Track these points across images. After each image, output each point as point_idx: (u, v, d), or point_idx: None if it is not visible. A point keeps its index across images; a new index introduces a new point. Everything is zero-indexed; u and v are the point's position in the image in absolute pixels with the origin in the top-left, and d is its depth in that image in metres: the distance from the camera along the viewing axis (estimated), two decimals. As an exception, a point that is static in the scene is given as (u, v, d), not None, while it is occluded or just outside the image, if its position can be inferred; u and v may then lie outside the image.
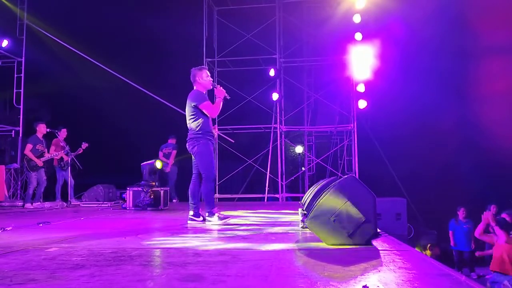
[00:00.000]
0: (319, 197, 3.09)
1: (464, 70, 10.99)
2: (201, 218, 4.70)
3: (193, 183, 4.77)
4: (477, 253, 7.21)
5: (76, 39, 10.75)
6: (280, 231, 3.96)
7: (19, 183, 10.24)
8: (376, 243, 3.07)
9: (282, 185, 11.31)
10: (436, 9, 10.50)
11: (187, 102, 4.69)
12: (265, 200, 10.97)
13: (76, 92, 11.27)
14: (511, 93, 10.29)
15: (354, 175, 5.65)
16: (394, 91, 10.61)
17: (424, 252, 8.10)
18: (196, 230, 4.14)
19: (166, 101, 10.48)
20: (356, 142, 10.80)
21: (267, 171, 11.00)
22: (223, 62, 11.94)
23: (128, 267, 2.33)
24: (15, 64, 11.28)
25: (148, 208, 7.19)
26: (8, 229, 4.15)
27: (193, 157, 4.73)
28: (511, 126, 10.00)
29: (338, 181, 3.12)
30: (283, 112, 11.73)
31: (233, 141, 7.46)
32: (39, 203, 7.95)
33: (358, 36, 10.31)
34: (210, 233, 3.93)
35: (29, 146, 8.00)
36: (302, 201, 6.22)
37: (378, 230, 3.39)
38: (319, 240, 3.08)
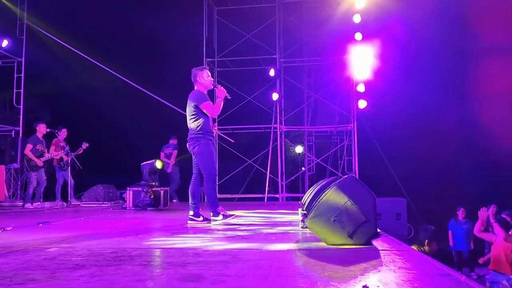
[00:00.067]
0: (319, 197, 3.09)
1: (464, 70, 10.98)
2: (201, 218, 4.70)
3: (193, 183, 4.77)
4: (480, 260, 7.21)
5: (76, 39, 10.75)
6: (280, 231, 3.96)
7: (19, 183, 10.24)
8: (376, 243, 3.07)
9: (282, 185, 11.31)
10: (436, 9, 10.49)
11: (188, 102, 4.69)
12: (265, 200, 10.97)
13: (76, 92, 11.26)
14: (511, 93, 10.29)
15: (354, 175, 5.65)
16: (394, 91, 10.61)
17: (422, 248, 8.10)
18: (196, 230, 4.14)
19: (166, 101, 10.48)
20: (356, 142, 10.80)
21: (267, 171, 11.00)
22: (223, 62, 11.94)
23: (128, 267, 2.33)
24: (15, 64, 11.28)
25: (148, 208, 7.20)
26: (8, 229, 4.15)
27: (193, 157, 4.73)
28: (511, 126, 9.99)
29: (338, 181, 3.12)
30: (283, 112, 11.73)
31: (233, 141, 7.47)
32: (39, 203, 7.95)
33: (358, 36, 10.31)
34: (210, 233, 3.93)
35: (29, 146, 8.00)
36: (302, 201, 6.22)
37: (378, 230, 3.39)
38: (319, 240, 3.08)
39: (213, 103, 4.73)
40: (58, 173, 8.73)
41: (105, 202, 8.50)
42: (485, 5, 9.90)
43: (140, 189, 7.37)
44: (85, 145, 8.55)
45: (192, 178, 4.79)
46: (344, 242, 2.95)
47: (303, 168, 13.20)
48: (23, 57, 11.22)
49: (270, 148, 11.10)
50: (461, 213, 8.98)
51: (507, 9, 9.66)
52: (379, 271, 2.21)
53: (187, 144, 4.72)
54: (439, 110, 11.07)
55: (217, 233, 3.90)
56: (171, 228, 4.42)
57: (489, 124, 10.06)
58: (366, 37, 10.28)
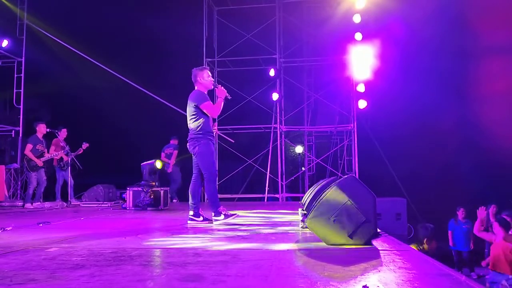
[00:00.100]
0: (319, 197, 3.09)
1: (464, 70, 10.98)
2: (201, 218, 4.70)
3: (194, 183, 4.77)
4: (483, 263, 7.22)
5: (76, 39, 10.75)
6: (280, 231, 3.96)
7: (19, 183, 10.24)
8: (376, 243, 3.07)
9: (282, 185, 11.31)
10: (436, 9, 10.50)
11: (188, 102, 4.69)
12: (265, 200, 10.97)
13: (76, 92, 11.27)
14: (511, 93, 10.29)
15: (354, 175, 5.65)
16: (394, 91, 10.61)
17: (421, 246, 8.11)
18: (196, 230, 4.14)
19: (166, 101, 10.48)
20: (356, 142, 10.80)
21: (267, 171, 11.00)
22: (223, 62, 11.94)
23: (128, 267, 2.33)
24: (15, 64, 11.28)
25: (148, 208, 7.20)
26: (8, 229, 4.15)
27: (193, 157, 4.73)
28: (511, 126, 9.99)
29: (338, 181, 3.12)
30: (283, 112, 11.73)
31: (233, 141, 7.47)
32: (39, 203, 7.95)
33: (358, 36, 10.31)
34: (210, 233, 3.93)
35: (29, 146, 8.00)
36: (302, 201, 6.22)
37: (378, 230, 3.39)
38: (319, 240, 3.08)
39: (214, 103, 4.73)
40: (58, 173, 8.73)
41: (105, 202, 8.50)
42: (485, 5, 9.90)
43: (140, 189, 7.37)
44: (85, 145, 8.55)
45: (192, 178, 4.79)
46: (344, 242, 2.94)
47: (303, 168, 13.21)
48: (23, 57, 11.22)
49: (270, 148, 11.10)
50: (461, 213, 8.98)
51: (507, 9, 9.66)
52: (379, 271, 2.21)
53: (187, 144, 4.72)
54: (439, 110, 11.07)
55: (217, 233, 3.90)
56: (171, 228, 4.42)
57: (489, 124, 10.06)
58: (366, 37, 10.28)
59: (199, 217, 4.70)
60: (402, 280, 2.02)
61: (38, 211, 7.05)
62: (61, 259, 2.56)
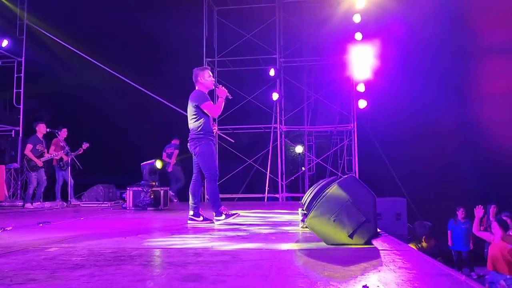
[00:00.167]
0: (319, 197, 3.08)
1: (464, 70, 10.99)
2: (201, 218, 4.70)
3: (194, 183, 4.77)
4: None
5: (76, 39, 10.75)
6: (280, 231, 3.96)
7: (19, 183, 10.24)
8: (376, 243, 3.07)
9: (282, 185, 11.31)
10: (436, 9, 10.50)
11: (189, 102, 4.68)
12: (265, 200, 10.97)
13: (76, 92, 11.27)
14: (511, 93, 10.29)
15: (354, 175, 5.65)
16: (394, 91, 10.61)
17: (419, 245, 8.09)
18: (196, 230, 4.14)
19: (166, 101, 10.48)
20: (356, 142, 10.80)
21: (267, 171, 11.00)
22: (223, 62, 11.94)
23: (128, 267, 2.33)
24: (15, 64, 11.28)
25: (148, 208, 7.20)
26: (8, 229, 4.15)
27: (194, 157, 4.72)
28: (511, 126, 10.00)
29: (338, 181, 3.12)
30: (283, 112, 11.73)
31: (233, 141, 7.46)
32: (39, 203, 7.95)
33: (358, 36, 10.31)
34: (210, 233, 3.93)
35: (29, 146, 8.00)
36: (302, 201, 6.22)
37: (378, 230, 3.39)
38: (319, 240, 3.08)
39: (214, 103, 4.72)
40: (58, 173, 8.73)
41: (105, 202, 8.50)
42: (485, 5, 9.91)
43: (140, 189, 7.37)
44: (85, 145, 8.55)
45: (193, 178, 4.79)
46: (344, 242, 2.94)
47: (303, 168, 13.21)
48: (23, 57, 11.22)
49: (270, 148, 11.10)
50: (460, 213, 8.98)
51: (507, 9, 9.66)
52: (379, 271, 2.21)
53: (188, 144, 4.72)
54: (439, 110, 11.08)
55: (217, 233, 3.90)
56: (171, 228, 4.42)
57: (489, 124, 10.07)
58: (366, 37, 10.28)
59: (199, 217, 4.70)
60: (402, 280, 2.02)
61: (38, 211, 7.04)
62: (61, 259, 2.55)
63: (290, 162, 13.45)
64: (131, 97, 10.90)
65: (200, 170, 4.70)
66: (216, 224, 4.55)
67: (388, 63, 10.31)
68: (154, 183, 7.46)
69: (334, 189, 2.99)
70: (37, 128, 8.20)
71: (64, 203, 8.16)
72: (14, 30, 11.26)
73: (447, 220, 9.26)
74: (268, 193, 11.09)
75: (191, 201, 4.71)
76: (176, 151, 9.81)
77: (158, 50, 12.01)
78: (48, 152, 8.31)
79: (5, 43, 10.90)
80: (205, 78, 4.73)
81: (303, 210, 4.43)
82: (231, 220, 4.61)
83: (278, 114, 11.39)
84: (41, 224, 4.60)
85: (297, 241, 3.34)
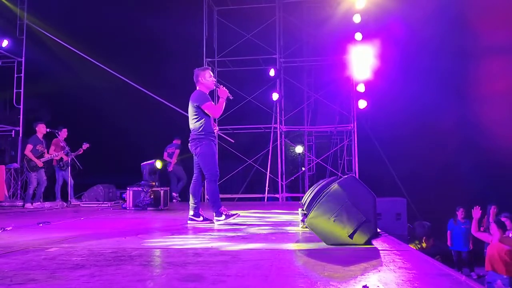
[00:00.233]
0: (319, 197, 3.09)
1: (464, 70, 10.99)
2: (201, 218, 4.70)
3: (194, 183, 4.77)
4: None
5: (76, 39, 10.75)
6: (280, 231, 3.96)
7: (19, 183, 10.24)
8: (376, 243, 3.07)
9: (282, 185, 11.30)
10: (436, 9, 10.50)
11: (190, 102, 4.68)
12: (265, 200, 10.97)
13: (76, 92, 11.27)
14: (511, 93, 10.29)
15: (354, 175, 5.65)
16: (394, 91, 10.61)
17: (418, 245, 8.11)
18: (196, 230, 4.15)
19: (166, 101, 10.48)
20: (356, 142, 10.80)
21: (267, 171, 11.00)
22: (223, 62, 11.93)
23: (128, 267, 2.33)
24: (15, 64, 11.28)
25: (148, 208, 7.20)
26: (8, 229, 4.15)
27: (194, 157, 4.72)
28: (511, 126, 10.00)
29: (338, 181, 3.12)
30: (283, 112, 11.73)
31: (233, 141, 7.46)
32: (39, 203, 7.95)
33: (358, 36, 10.31)
34: (210, 233, 3.93)
35: (29, 147, 8.00)
36: (302, 201, 6.22)
37: (378, 230, 3.39)
38: (319, 240, 3.08)
39: (215, 104, 4.72)
40: (58, 173, 8.73)
41: (105, 202, 8.50)
42: (485, 5, 9.91)
43: (140, 189, 7.37)
44: (85, 146, 8.55)
45: (193, 178, 4.79)
46: (344, 242, 2.94)
47: (303, 168, 13.21)
48: (23, 57, 11.22)
49: (270, 148, 11.10)
50: (460, 213, 8.98)
51: (507, 9, 9.66)
52: (379, 271, 2.21)
53: (189, 144, 4.71)
54: (439, 110, 11.08)
55: (217, 233, 3.90)
56: (171, 228, 4.42)
57: (489, 124, 10.07)
58: (366, 37, 10.27)
59: (199, 217, 4.70)
60: (402, 280, 2.02)
61: (38, 211, 7.05)
62: (61, 259, 2.56)
63: (290, 162, 13.45)
64: (131, 97, 10.90)
65: (201, 171, 4.70)
66: (216, 225, 4.55)
67: (388, 63, 10.31)
68: (154, 183, 7.47)
69: (334, 189, 2.99)
70: (37, 128, 8.20)
71: (64, 203, 8.15)
72: (14, 30, 11.26)
73: (447, 220, 9.26)
74: (268, 193, 11.09)
75: (191, 201, 4.71)
76: (177, 151, 9.83)
77: (158, 50, 12.01)
78: (48, 152, 8.30)
79: (5, 43, 10.90)
80: (206, 78, 4.73)
81: (303, 210, 4.43)
82: (231, 220, 4.61)
83: (278, 114, 11.39)
84: (41, 224, 4.60)
85: (297, 241, 3.34)
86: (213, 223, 4.62)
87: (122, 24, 10.95)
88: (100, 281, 2.01)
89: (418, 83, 11.11)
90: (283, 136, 11.54)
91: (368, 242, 2.97)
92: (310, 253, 2.80)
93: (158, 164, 7.90)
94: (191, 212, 4.70)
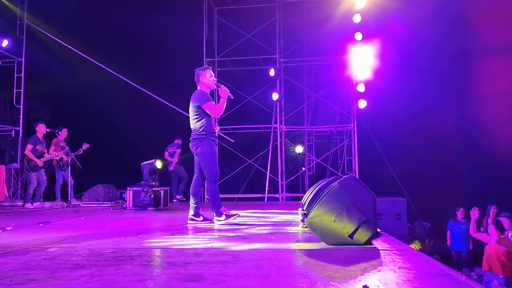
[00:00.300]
0: (319, 197, 3.08)
1: (464, 70, 10.99)
2: (201, 218, 4.70)
3: (195, 183, 4.77)
4: None
5: (76, 39, 10.75)
6: (280, 231, 3.96)
7: (19, 183, 10.24)
8: (376, 243, 3.07)
9: (282, 185, 11.31)
10: (436, 9, 10.50)
11: (191, 102, 4.67)
12: (265, 200, 10.97)
13: (76, 92, 11.27)
14: (511, 93, 10.30)
15: (354, 175, 5.65)
16: (394, 91, 10.61)
17: (420, 246, 8.12)
18: (196, 230, 4.15)
19: (166, 101, 10.48)
20: (356, 142, 10.80)
21: (267, 171, 11.00)
22: (223, 62, 11.94)
23: (128, 267, 2.33)
24: (15, 64, 11.28)
25: (148, 208, 7.20)
26: (8, 229, 4.15)
27: (195, 157, 4.72)
28: (511, 126, 10.00)
29: (338, 181, 3.12)
30: (283, 112, 11.73)
31: (233, 141, 7.46)
32: (39, 203, 7.95)
33: (358, 36, 10.31)
34: (210, 233, 3.93)
35: (29, 147, 8.00)
36: (302, 201, 6.22)
37: (378, 230, 3.39)
38: (319, 240, 3.08)
39: (216, 103, 4.71)
40: (58, 173, 8.73)
41: (105, 202, 8.50)
42: (485, 5, 9.91)
43: (140, 189, 7.37)
44: (85, 146, 8.55)
45: (194, 178, 4.79)
46: (344, 242, 2.94)
47: (303, 168, 13.21)
48: (23, 57, 11.22)
49: (270, 148, 11.10)
50: (460, 213, 8.98)
51: (507, 9, 9.66)
52: (379, 271, 2.21)
53: (190, 144, 4.71)
54: (439, 110, 11.08)
55: (217, 233, 3.90)
56: (171, 228, 4.42)
57: (489, 124, 10.07)
58: (366, 37, 10.28)
59: (199, 217, 4.70)
60: (402, 280, 2.02)
61: (38, 211, 7.04)
62: (61, 259, 2.56)
63: (290, 162, 13.45)
64: (131, 97, 10.90)
65: (201, 170, 4.70)
66: (216, 225, 4.55)
67: (388, 63, 10.31)
68: (154, 183, 7.47)
69: (334, 189, 2.99)
70: (37, 128, 8.20)
71: (64, 203, 8.15)
72: (14, 30, 11.26)
73: (447, 220, 9.26)
74: (268, 193, 11.09)
75: (191, 201, 4.71)
76: (179, 150, 9.85)
77: (158, 50, 12.01)
78: (48, 152, 8.30)
79: (5, 43, 10.90)
80: (207, 78, 4.73)
81: (303, 210, 4.43)
82: (231, 220, 4.61)
83: (278, 114, 11.39)
84: (41, 224, 4.60)
85: (297, 241, 3.34)
86: (213, 223, 4.62)
87: (122, 24, 10.95)
88: (100, 281, 2.01)
89: (418, 83, 11.12)
90: (283, 136, 11.54)
91: (368, 242, 2.97)
92: (310, 253, 2.80)
93: (158, 164, 7.90)
94: (191, 212, 4.70)
